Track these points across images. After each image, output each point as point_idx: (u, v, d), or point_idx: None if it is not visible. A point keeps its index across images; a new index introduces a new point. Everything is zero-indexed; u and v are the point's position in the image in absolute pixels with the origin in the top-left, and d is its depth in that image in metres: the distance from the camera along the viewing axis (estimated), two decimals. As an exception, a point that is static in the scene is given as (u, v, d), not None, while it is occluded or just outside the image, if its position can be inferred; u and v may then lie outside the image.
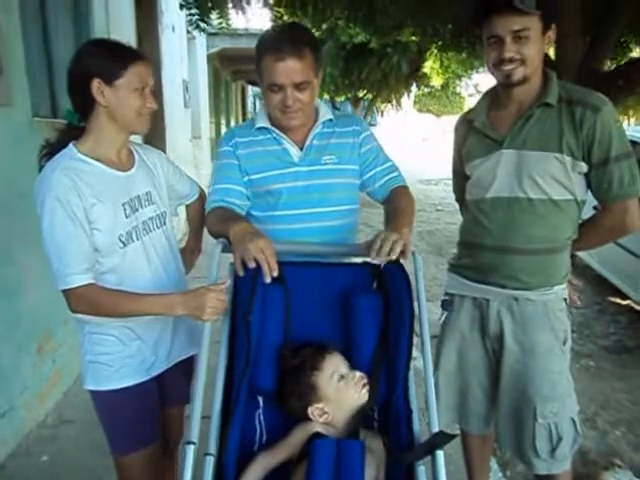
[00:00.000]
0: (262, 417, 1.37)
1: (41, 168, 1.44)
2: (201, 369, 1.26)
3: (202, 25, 4.35)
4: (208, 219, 1.62)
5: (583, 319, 4.23)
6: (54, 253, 1.36)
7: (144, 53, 1.50)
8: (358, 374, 1.32)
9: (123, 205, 1.46)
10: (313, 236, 1.60)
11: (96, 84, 1.40)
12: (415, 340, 1.33)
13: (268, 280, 1.30)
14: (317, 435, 1.26)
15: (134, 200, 1.50)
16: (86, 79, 1.40)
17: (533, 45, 1.54)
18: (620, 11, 2.75)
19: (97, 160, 1.45)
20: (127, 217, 1.47)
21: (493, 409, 1.85)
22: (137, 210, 1.50)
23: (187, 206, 1.82)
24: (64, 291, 1.38)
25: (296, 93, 1.49)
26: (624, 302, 4.51)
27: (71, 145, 1.44)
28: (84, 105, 1.44)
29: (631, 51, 5.03)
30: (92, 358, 1.52)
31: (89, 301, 1.39)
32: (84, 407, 2.76)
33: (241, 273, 1.32)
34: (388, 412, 1.33)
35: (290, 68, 1.45)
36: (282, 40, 1.47)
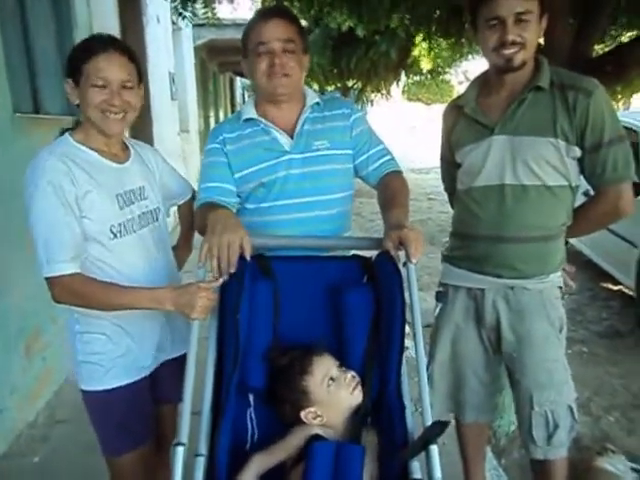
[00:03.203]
0: (253, 415, 1.35)
1: None
2: (190, 368, 1.23)
3: (186, 14, 4.24)
4: (196, 216, 1.60)
5: (575, 305, 4.24)
6: (41, 238, 1.34)
7: (117, 44, 1.42)
8: (349, 375, 1.30)
9: (117, 196, 1.45)
10: (308, 225, 1.58)
11: (67, 84, 1.41)
12: (408, 330, 1.30)
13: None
14: (316, 437, 1.24)
15: (128, 193, 1.48)
16: (65, 77, 1.42)
17: (533, 29, 1.53)
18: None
19: (91, 149, 1.44)
20: (121, 209, 1.45)
21: (489, 399, 1.86)
22: (132, 203, 1.49)
23: (179, 206, 1.80)
24: (48, 279, 1.35)
25: (282, 56, 1.52)
26: (615, 287, 4.54)
27: (67, 134, 1.45)
28: None
29: (615, 38, 5.02)
30: (83, 358, 1.50)
31: (73, 291, 1.37)
32: (75, 406, 2.70)
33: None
34: (381, 407, 1.31)
35: (276, 25, 1.52)
36: (269, 9, 1.72)
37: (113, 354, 1.50)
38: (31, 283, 2.64)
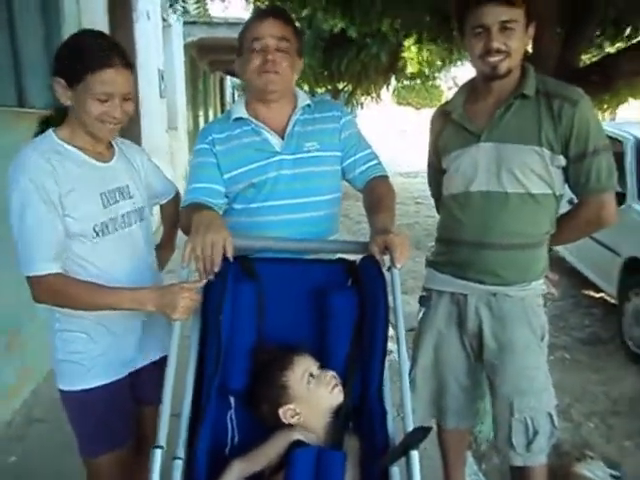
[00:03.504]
0: (234, 417, 1.34)
1: None
2: (170, 370, 1.22)
3: (177, 7, 4.14)
4: (182, 216, 1.59)
5: (558, 311, 4.28)
6: (22, 237, 1.31)
7: (120, 53, 1.37)
8: (330, 373, 1.30)
9: (101, 195, 1.43)
10: (296, 226, 1.57)
11: (57, 83, 1.36)
12: (392, 333, 1.30)
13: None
14: (297, 443, 1.23)
15: (113, 192, 1.46)
16: (54, 75, 1.37)
17: (518, 38, 1.54)
18: (593, 8, 2.78)
19: (75, 147, 1.42)
20: (105, 207, 1.43)
21: (470, 404, 1.86)
22: (116, 202, 1.47)
23: (162, 206, 1.77)
24: (29, 278, 1.33)
25: (275, 53, 1.52)
26: (598, 295, 4.58)
27: (50, 131, 1.42)
28: None
29: (602, 48, 5.08)
30: (63, 357, 1.48)
31: (55, 291, 1.35)
32: (54, 405, 2.66)
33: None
34: (362, 412, 1.31)
35: (272, 24, 1.53)
36: (267, 9, 1.75)
37: (94, 353, 1.47)
38: (11, 280, 2.59)
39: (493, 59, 1.54)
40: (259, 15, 1.60)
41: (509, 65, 1.56)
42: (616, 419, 2.89)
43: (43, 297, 1.37)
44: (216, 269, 1.27)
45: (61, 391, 1.50)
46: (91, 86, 1.33)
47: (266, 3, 5.10)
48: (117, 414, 1.53)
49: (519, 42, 1.55)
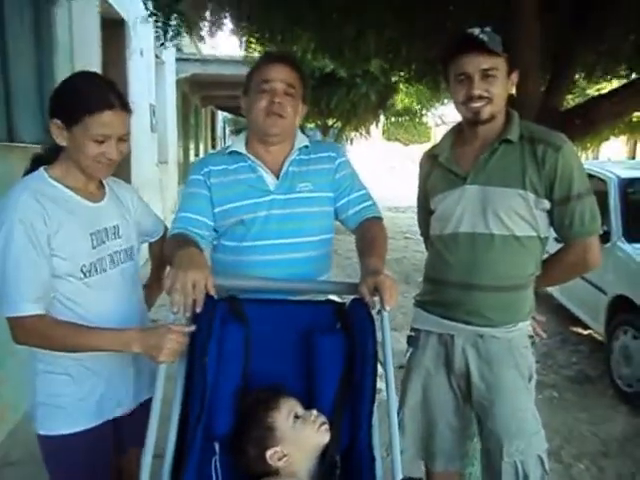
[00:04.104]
0: (218, 464, 1.30)
1: None
2: (154, 413, 1.19)
3: (166, 28, 4.01)
4: (166, 245, 1.59)
5: (546, 349, 4.27)
6: (5, 277, 1.29)
7: (120, 97, 1.39)
8: (315, 412, 1.28)
9: (91, 235, 1.42)
10: (287, 267, 1.57)
11: (54, 124, 1.36)
12: (381, 371, 1.29)
13: (174, 310, 1.26)
14: None
15: (102, 232, 1.46)
16: (50, 115, 1.37)
17: (500, 84, 1.58)
18: (576, 51, 2.87)
19: (67, 187, 1.41)
20: (94, 248, 1.42)
21: (459, 446, 1.83)
22: (104, 242, 1.46)
23: (150, 244, 1.77)
24: (10, 319, 1.30)
25: (283, 97, 1.55)
26: (585, 332, 4.59)
27: (42, 169, 1.41)
28: None
29: (585, 90, 5.26)
30: (43, 399, 1.43)
31: (38, 333, 1.32)
32: (31, 447, 2.57)
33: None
34: (351, 458, 1.28)
35: (282, 69, 1.57)
36: (278, 54, 1.78)
37: (77, 396, 1.43)
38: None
39: (475, 105, 1.58)
40: (270, 59, 1.63)
41: (491, 111, 1.60)
42: (607, 460, 2.85)
43: (23, 338, 1.34)
44: (198, 309, 1.26)
45: (39, 436, 1.45)
46: (89, 127, 1.33)
47: (257, 41, 5.21)
48: (97, 462, 1.48)
49: (501, 88, 1.59)
